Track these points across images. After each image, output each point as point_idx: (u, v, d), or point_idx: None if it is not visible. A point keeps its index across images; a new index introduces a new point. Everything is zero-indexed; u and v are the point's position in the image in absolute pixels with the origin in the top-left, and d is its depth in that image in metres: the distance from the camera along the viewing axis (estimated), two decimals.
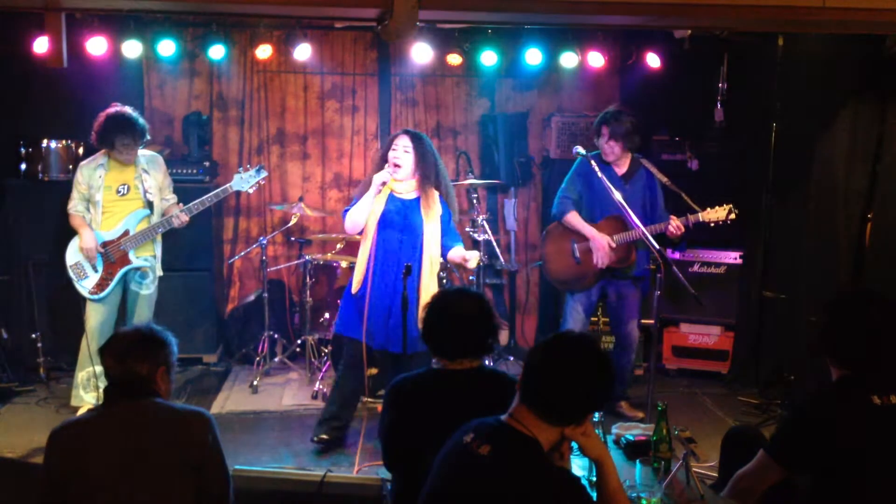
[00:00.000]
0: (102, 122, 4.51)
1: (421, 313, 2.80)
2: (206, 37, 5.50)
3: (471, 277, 5.76)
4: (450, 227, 4.21)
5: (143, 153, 4.75)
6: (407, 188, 4.11)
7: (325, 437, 4.19)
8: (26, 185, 5.34)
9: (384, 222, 4.07)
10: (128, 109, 4.58)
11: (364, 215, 4.05)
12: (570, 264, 4.67)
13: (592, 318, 5.43)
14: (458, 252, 4.17)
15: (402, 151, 4.05)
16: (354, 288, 4.11)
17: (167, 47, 5.37)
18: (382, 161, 4.12)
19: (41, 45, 4.88)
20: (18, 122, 5.45)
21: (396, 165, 4.05)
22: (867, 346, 2.50)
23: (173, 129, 6.06)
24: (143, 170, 4.67)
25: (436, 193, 4.14)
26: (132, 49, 5.33)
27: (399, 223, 4.08)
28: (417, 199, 4.12)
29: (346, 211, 4.13)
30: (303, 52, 5.48)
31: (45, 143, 5.30)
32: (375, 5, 3.52)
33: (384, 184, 4.03)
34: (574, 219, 4.64)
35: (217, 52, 5.50)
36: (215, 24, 5.46)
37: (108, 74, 5.59)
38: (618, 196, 4.25)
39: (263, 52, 5.74)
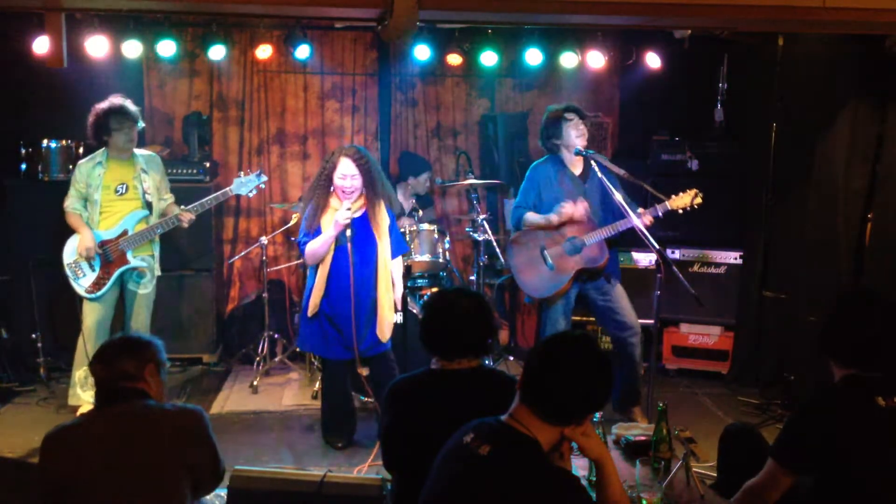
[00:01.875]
0: (96, 113, 4.55)
1: (421, 313, 2.80)
2: (206, 37, 5.50)
3: (471, 277, 5.76)
4: (394, 233, 4.25)
5: (142, 153, 4.76)
6: (355, 206, 4.11)
7: (339, 445, 4.33)
8: (26, 185, 5.34)
9: (338, 247, 4.08)
10: (118, 98, 4.60)
11: (326, 250, 4.05)
12: (544, 272, 4.52)
13: (590, 319, 5.43)
14: (396, 273, 4.26)
15: (350, 179, 4.04)
16: (311, 311, 4.11)
17: (167, 47, 5.37)
18: (327, 182, 4.09)
19: (41, 45, 4.87)
20: (18, 122, 5.45)
21: (348, 195, 4.05)
22: (869, 346, 2.49)
23: (173, 129, 6.07)
24: (142, 169, 4.68)
25: (382, 205, 4.17)
26: (132, 49, 5.33)
27: (352, 241, 4.06)
28: (365, 215, 4.14)
29: (304, 243, 4.09)
30: (303, 52, 5.48)
31: (45, 143, 5.30)
32: (375, 5, 3.52)
33: (347, 224, 4.00)
34: (532, 217, 4.49)
35: (217, 52, 5.50)
36: (215, 24, 5.46)
37: (108, 74, 5.59)
38: (618, 196, 4.23)
39: (263, 52, 5.75)
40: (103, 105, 4.57)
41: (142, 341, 2.54)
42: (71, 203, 4.60)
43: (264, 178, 4.85)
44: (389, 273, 4.19)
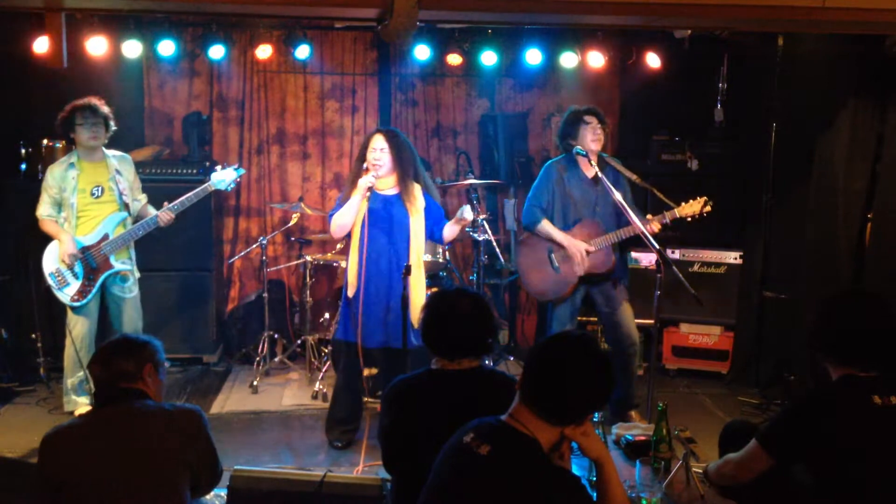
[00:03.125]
0: (64, 109, 4.49)
1: (420, 313, 2.81)
2: (206, 37, 5.50)
3: (471, 277, 5.76)
4: (441, 216, 4.25)
5: (114, 153, 4.68)
6: (387, 184, 4.14)
7: (339, 444, 4.30)
8: (26, 185, 5.33)
9: (370, 221, 4.09)
10: (91, 98, 4.56)
11: (351, 218, 4.08)
12: (549, 274, 4.53)
13: (590, 319, 5.42)
14: (450, 226, 4.18)
15: (379, 152, 4.07)
16: (350, 291, 4.14)
17: (167, 47, 5.38)
18: (361, 161, 4.15)
19: (41, 45, 4.88)
20: (18, 122, 5.45)
21: (376, 167, 4.06)
22: (863, 344, 2.50)
23: (173, 129, 6.07)
24: (116, 170, 4.60)
25: (416, 187, 4.17)
26: (132, 49, 5.34)
27: (385, 220, 4.10)
28: (399, 195, 4.15)
29: (332, 214, 4.16)
30: (303, 52, 5.49)
31: (45, 143, 5.29)
32: (375, 5, 3.52)
33: (370, 189, 4.03)
34: (547, 227, 4.48)
35: (217, 52, 5.50)
36: (215, 24, 5.46)
37: (108, 74, 5.59)
38: (618, 196, 4.22)
39: (263, 52, 5.75)
40: (75, 102, 4.51)
41: (139, 341, 2.55)
42: (44, 210, 4.49)
43: (242, 171, 4.81)
44: (422, 255, 4.17)
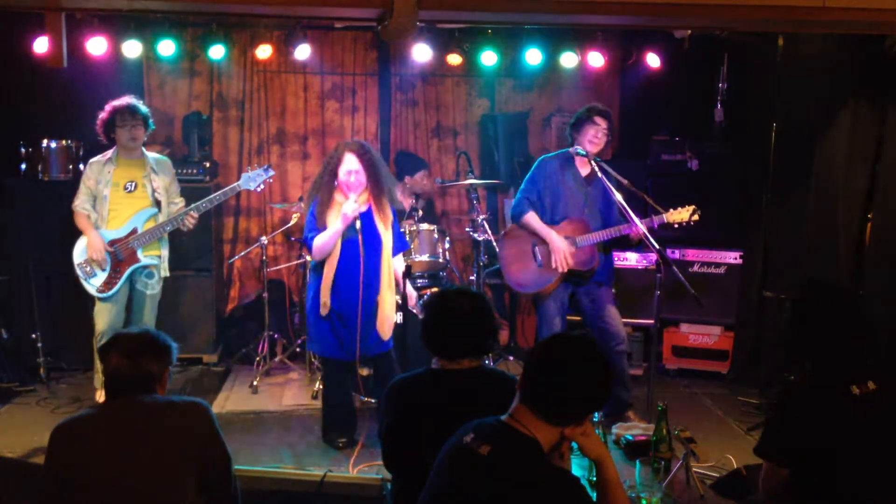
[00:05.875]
0: (105, 110, 4.57)
1: (420, 313, 2.81)
2: (206, 37, 5.51)
3: (471, 277, 5.76)
4: (395, 230, 4.27)
5: (153, 155, 4.78)
6: (361, 199, 4.11)
7: (339, 444, 4.29)
8: (26, 185, 5.34)
9: (346, 238, 4.08)
10: (129, 98, 4.63)
11: (334, 245, 4.04)
12: (532, 268, 4.52)
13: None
14: (398, 267, 4.21)
15: (355, 175, 4.04)
16: (324, 311, 4.09)
17: (167, 47, 5.38)
18: (331, 176, 4.09)
19: (41, 45, 4.89)
20: (18, 122, 5.45)
21: (353, 189, 4.04)
22: (832, 338, 2.54)
23: (173, 129, 6.07)
24: (152, 169, 4.69)
25: (386, 202, 4.17)
26: (132, 49, 5.34)
27: (357, 236, 4.07)
28: (370, 210, 4.14)
29: (310, 238, 4.09)
30: (303, 52, 5.49)
31: (45, 143, 5.29)
32: (375, 5, 3.53)
33: (355, 217, 4.02)
34: (533, 220, 4.49)
35: (217, 52, 5.51)
36: (215, 24, 5.47)
37: (108, 74, 5.60)
38: (618, 197, 4.23)
39: (263, 52, 5.75)
40: (115, 102, 4.59)
41: (167, 344, 2.53)
42: (80, 203, 4.59)
43: (272, 172, 4.85)
44: (392, 269, 4.19)
